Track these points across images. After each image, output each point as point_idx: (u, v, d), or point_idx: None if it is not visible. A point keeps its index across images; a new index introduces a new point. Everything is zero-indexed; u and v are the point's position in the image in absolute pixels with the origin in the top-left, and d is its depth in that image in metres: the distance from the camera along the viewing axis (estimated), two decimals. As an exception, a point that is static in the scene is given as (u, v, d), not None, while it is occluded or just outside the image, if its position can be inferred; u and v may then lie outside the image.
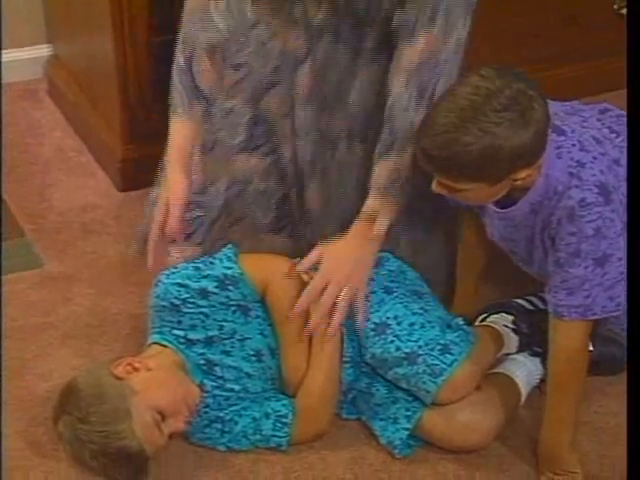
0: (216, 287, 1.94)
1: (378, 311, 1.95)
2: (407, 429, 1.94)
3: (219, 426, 1.95)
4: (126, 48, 2.44)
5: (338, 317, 1.90)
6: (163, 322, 1.96)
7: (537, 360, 2.07)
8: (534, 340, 2.09)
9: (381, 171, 1.88)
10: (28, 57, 2.91)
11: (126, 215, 2.51)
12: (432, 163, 1.74)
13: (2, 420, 1.99)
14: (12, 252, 2.37)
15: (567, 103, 1.93)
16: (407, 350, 1.92)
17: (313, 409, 1.95)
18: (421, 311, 1.97)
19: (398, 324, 1.94)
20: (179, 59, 2.01)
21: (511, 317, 2.11)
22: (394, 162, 1.87)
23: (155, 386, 1.86)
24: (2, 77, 2.77)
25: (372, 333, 1.94)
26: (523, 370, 2.05)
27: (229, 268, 1.95)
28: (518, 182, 1.77)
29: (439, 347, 1.92)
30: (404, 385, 1.95)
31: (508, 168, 1.73)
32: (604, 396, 2.09)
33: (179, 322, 1.95)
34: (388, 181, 1.88)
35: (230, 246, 2.00)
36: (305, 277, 1.96)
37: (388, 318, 1.95)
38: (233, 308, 1.95)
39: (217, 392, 1.96)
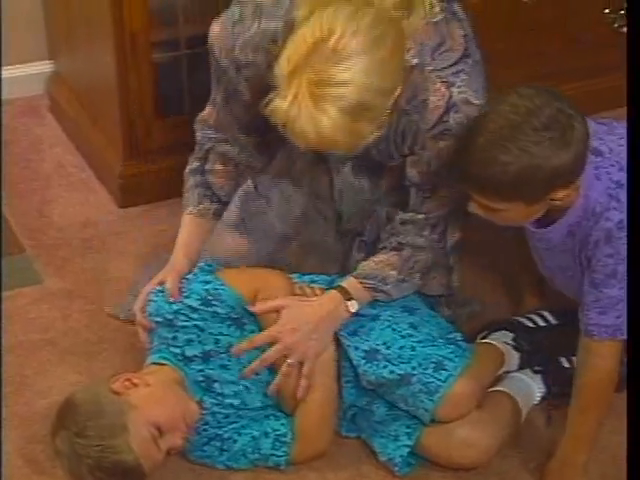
0: (201, 304, 1.92)
1: (367, 340, 1.94)
2: (408, 446, 1.93)
3: (218, 444, 1.94)
4: (127, 65, 2.44)
5: (304, 381, 1.91)
6: (160, 340, 1.96)
7: (538, 378, 2.07)
8: (535, 357, 2.08)
9: (372, 260, 1.94)
10: (29, 73, 2.92)
11: (126, 232, 2.51)
12: (469, 182, 1.73)
13: (2, 437, 1.99)
14: (12, 268, 2.37)
15: (602, 121, 1.90)
16: (401, 372, 1.91)
17: (312, 430, 1.94)
18: (411, 330, 1.96)
19: (388, 348, 1.93)
20: (193, 161, 2.04)
21: (512, 334, 2.11)
22: (390, 257, 1.93)
23: (153, 402, 1.85)
24: (3, 93, 2.78)
25: (363, 361, 1.93)
26: (524, 388, 2.05)
27: (207, 282, 1.94)
28: (556, 202, 1.76)
29: (432, 365, 1.91)
30: (403, 406, 1.94)
31: (546, 188, 1.71)
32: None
33: (174, 338, 1.94)
34: (374, 274, 1.93)
35: (203, 262, 2.00)
36: (298, 291, 1.96)
37: (377, 345, 1.94)
38: (227, 322, 1.94)
39: (216, 409, 1.95)
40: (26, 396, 2.09)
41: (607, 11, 2.81)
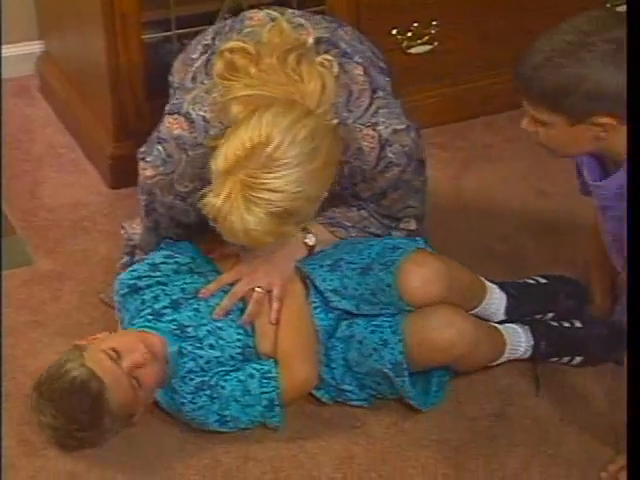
0: (164, 257, 2.04)
1: (331, 256, 2.01)
2: (400, 340, 1.93)
3: (207, 392, 1.95)
4: (117, 45, 2.43)
5: (275, 303, 1.98)
6: (130, 313, 2.01)
7: (527, 330, 2.09)
8: (523, 306, 2.10)
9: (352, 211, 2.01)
10: (20, 53, 2.90)
11: (116, 212, 2.51)
12: (520, 81, 1.73)
13: (2, 418, 2.00)
14: (3, 250, 2.37)
15: None
16: (362, 265, 1.98)
17: (294, 352, 1.96)
18: (371, 239, 2.04)
19: (348, 253, 2.01)
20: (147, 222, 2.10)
21: (498, 284, 2.14)
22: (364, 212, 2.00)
23: (109, 337, 1.95)
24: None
25: (329, 273, 1.99)
26: (512, 331, 2.07)
27: (171, 244, 2.06)
28: (601, 135, 1.73)
29: (389, 248, 1.99)
30: (371, 307, 1.97)
31: (587, 106, 1.70)
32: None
33: (142, 302, 1.99)
34: (335, 215, 2.00)
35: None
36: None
37: (339, 256, 2.01)
38: (190, 273, 2.02)
39: (196, 353, 1.96)
40: (17, 377, 2.10)
41: (601, -10, 2.81)
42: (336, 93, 1.83)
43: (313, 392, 2.03)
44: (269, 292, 1.98)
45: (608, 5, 2.83)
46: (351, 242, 2.04)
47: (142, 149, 2.03)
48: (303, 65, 1.79)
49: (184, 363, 1.95)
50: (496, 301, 2.10)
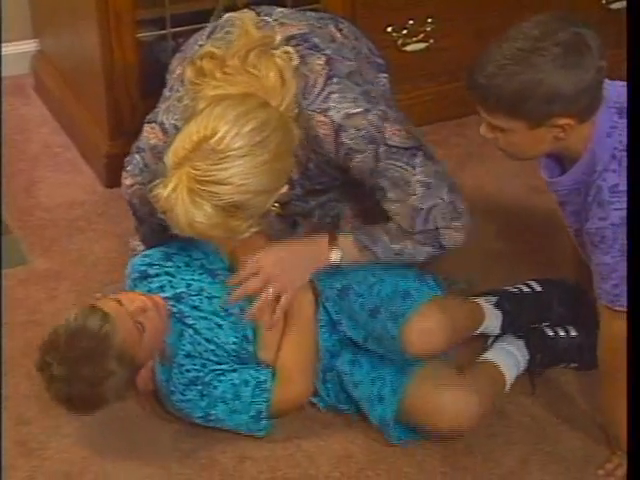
0: (179, 248, 2.02)
1: (342, 280, 1.99)
2: (395, 402, 1.94)
3: (199, 387, 1.95)
4: (112, 44, 2.43)
5: (279, 311, 1.94)
6: None
7: (522, 346, 2.08)
8: (518, 320, 2.10)
9: (379, 228, 1.93)
10: (14, 52, 2.90)
11: (112, 212, 2.50)
12: (476, 90, 1.74)
13: (2, 417, 1.99)
14: (-1, 249, 2.37)
15: None
16: (371, 306, 1.96)
17: (291, 371, 1.96)
18: (383, 271, 2.00)
19: (359, 284, 1.98)
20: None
21: (495, 298, 2.14)
22: (393, 229, 1.92)
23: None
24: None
25: (337, 298, 1.99)
26: (509, 358, 2.07)
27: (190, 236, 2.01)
28: (560, 135, 1.74)
29: (400, 295, 1.96)
30: (377, 347, 1.96)
31: (545, 109, 1.71)
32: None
33: (149, 290, 2.00)
34: (369, 231, 1.93)
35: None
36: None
37: (350, 282, 1.99)
38: (199, 271, 2.01)
39: (195, 338, 1.96)
40: (13, 377, 2.09)
41: (596, -13, 2.81)
42: (295, 84, 1.80)
43: (310, 398, 2.03)
44: (277, 298, 1.94)
45: (603, 2, 2.83)
46: (364, 269, 1.99)
47: (127, 158, 2.04)
48: (262, 59, 1.79)
49: (183, 346, 1.96)
50: (493, 322, 2.11)
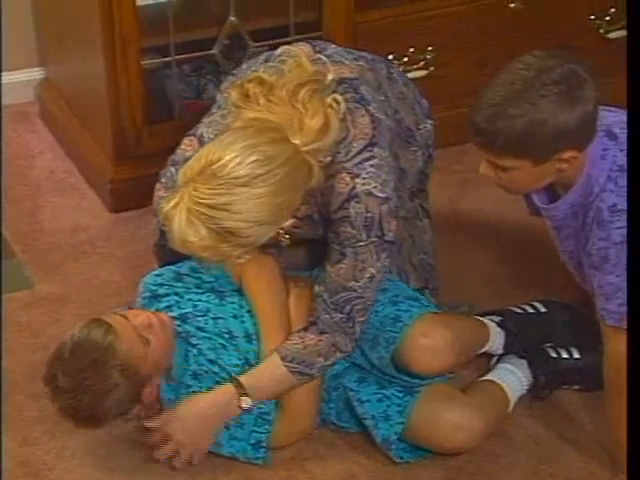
0: (190, 270, 2.05)
1: None
2: (401, 423, 1.95)
3: None
4: (117, 71, 2.45)
5: (177, 464, 1.96)
6: None
7: (525, 367, 2.09)
8: (521, 340, 2.11)
9: (301, 342, 1.94)
10: (20, 80, 2.92)
11: (117, 236, 2.52)
12: (479, 137, 1.76)
13: (2, 437, 2.00)
14: (3, 273, 2.37)
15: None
16: (370, 337, 1.98)
17: (296, 407, 1.97)
18: (379, 294, 1.98)
19: None
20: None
21: (498, 318, 2.15)
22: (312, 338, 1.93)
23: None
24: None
25: None
26: (512, 379, 2.08)
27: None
28: (563, 167, 1.77)
29: (390, 321, 1.98)
30: (381, 373, 1.99)
31: (552, 146, 1.74)
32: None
33: (157, 310, 2.02)
34: (301, 358, 1.93)
35: None
36: (290, 281, 2.03)
37: None
38: (207, 293, 2.03)
39: (199, 358, 1.97)
40: (17, 400, 2.10)
41: (593, 17, 2.84)
42: (337, 134, 1.81)
43: None
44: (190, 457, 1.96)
45: (601, 31, 2.87)
46: None
47: (163, 170, 2.06)
48: (313, 100, 1.80)
49: (189, 366, 1.97)
50: (496, 341, 2.12)
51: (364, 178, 1.84)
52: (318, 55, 1.92)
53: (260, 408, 1.96)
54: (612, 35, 2.87)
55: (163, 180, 2.04)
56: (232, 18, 2.50)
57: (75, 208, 2.62)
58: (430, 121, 2.10)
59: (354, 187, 1.84)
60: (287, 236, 1.90)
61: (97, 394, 1.86)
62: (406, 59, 2.69)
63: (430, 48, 2.70)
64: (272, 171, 1.73)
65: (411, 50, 2.69)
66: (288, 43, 2.47)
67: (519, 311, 2.19)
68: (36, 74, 2.93)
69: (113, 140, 2.54)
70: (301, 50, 1.90)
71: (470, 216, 2.60)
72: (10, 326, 2.27)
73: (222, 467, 1.99)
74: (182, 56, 2.51)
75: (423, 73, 2.72)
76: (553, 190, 1.90)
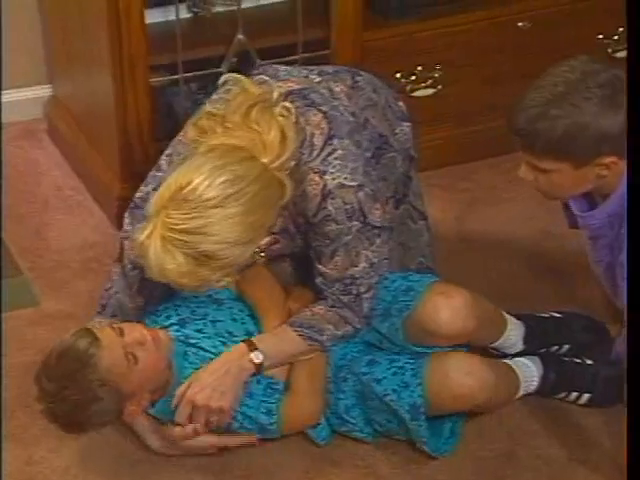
0: None
1: None
2: (419, 384, 1.94)
3: None
4: (125, 89, 2.46)
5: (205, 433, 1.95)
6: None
7: (537, 361, 2.09)
8: (540, 334, 2.10)
9: (310, 310, 1.96)
10: (28, 97, 2.94)
11: (123, 254, 2.52)
12: (520, 138, 1.75)
13: (2, 457, 1.99)
14: (9, 290, 2.37)
15: None
16: (380, 312, 1.99)
17: (305, 390, 1.97)
18: (387, 274, 2.02)
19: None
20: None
21: (516, 318, 2.15)
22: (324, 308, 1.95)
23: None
24: (2, 117, 2.79)
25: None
26: (524, 367, 2.07)
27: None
28: (604, 173, 1.76)
29: (402, 291, 1.99)
30: (391, 345, 2.00)
31: (593, 150, 1.73)
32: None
33: (156, 319, 2.04)
34: (310, 323, 1.95)
35: None
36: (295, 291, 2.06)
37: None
38: (206, 300, 2.04)
39: (199, 359, 1.98)
40: (22, 417, 2.09)
41: (601, 37, 2.85)
42: (295, 141, 1.83)
43: (309, 432, 2.02)
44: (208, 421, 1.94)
45: (609, 50, 2.87)
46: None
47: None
48: (265, 116, 1.81)
49: (190, 363, 1.98)
50: (515, 332, 2.12)
51: (332, 173, 1.85)
52: (261, 76, 1.94)
53: (269, 379, 1.96)
54: (620, 54, 2.87)
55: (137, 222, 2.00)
56: (240, 36, 2.50)
57: (82, 225, 2.62)
58: (407, 123, 2.09)
59: (325, 185, 1.85)
60: (262, 254, 1.90)
61: (75, 404, 1.87)
62: (414, 77, 2.69)
63: (438, 66, 2.70)
64: (243, 190, 1.74)
65: (419, 68, 2.69)
66: (296, 61, 2.50)
67: (534, 314, 2.18)
68: (44, 91, 2.94)
69: (120, 157, 2.54)
70: (242, 76, 1.91)
71: (479, 235, 2.59)
72: (15, 343, 2.26)
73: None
74: (190, 74, 2.51)
75: (431, 91, 2.72)
76: (592, 198, 1.89)
